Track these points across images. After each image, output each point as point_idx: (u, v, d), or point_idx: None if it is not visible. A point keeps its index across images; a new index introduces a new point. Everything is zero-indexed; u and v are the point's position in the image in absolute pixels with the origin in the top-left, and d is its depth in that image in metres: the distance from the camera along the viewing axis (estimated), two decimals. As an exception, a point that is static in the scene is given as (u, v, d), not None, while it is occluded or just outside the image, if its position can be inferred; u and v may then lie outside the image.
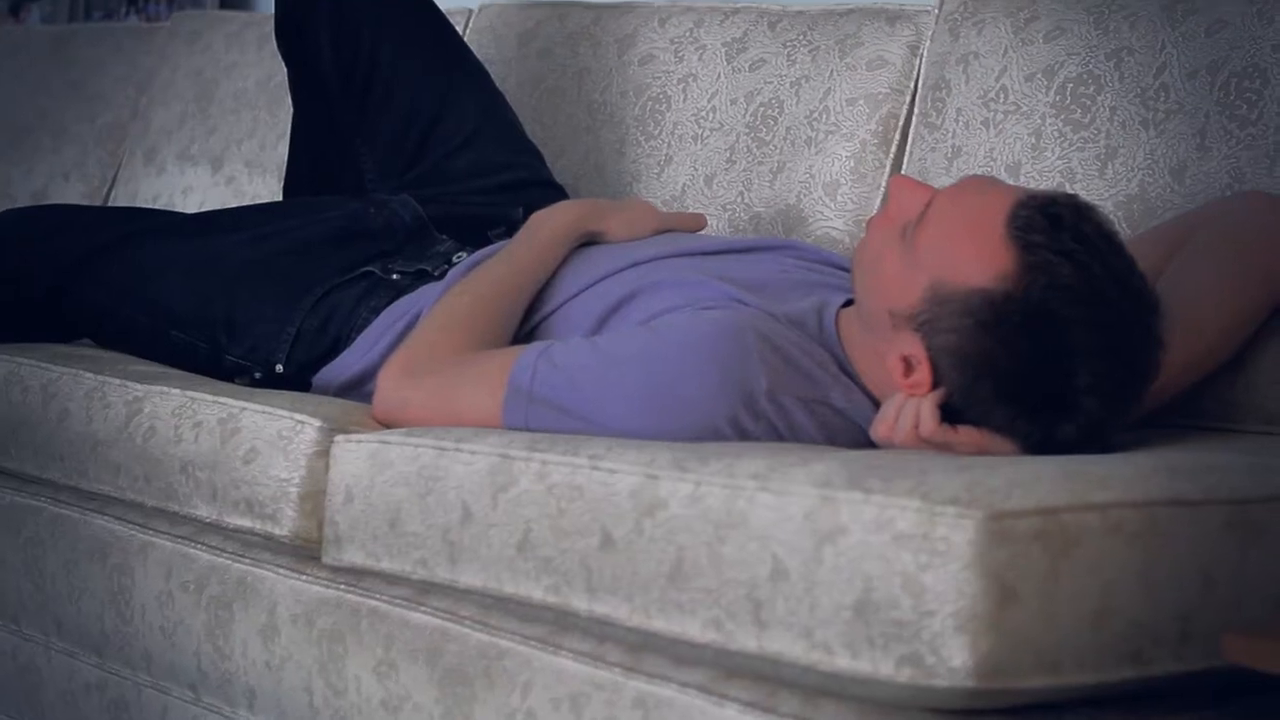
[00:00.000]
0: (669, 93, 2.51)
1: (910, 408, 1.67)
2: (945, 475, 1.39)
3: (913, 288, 1.69)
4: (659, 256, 2.01)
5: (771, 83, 2.39)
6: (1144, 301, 1.66)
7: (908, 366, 1.69)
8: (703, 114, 2.46)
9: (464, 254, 2.19)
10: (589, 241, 2.11)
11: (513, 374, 1.78)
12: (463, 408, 1.81)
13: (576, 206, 2.13)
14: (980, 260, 1.65)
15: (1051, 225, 1.64)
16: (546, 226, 2.08)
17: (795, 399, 1.71)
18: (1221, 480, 1.46)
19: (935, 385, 1.67)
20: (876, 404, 1.76)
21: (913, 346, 1.68)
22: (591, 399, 1.74)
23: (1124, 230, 1.96)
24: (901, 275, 1.70)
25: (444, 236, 2.26)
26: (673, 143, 2.48)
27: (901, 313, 1.70)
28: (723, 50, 2.47)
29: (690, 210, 2.43)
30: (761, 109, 2.39)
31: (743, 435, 1.69)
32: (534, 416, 1.76)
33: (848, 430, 1.75)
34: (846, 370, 1.78)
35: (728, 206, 2.38)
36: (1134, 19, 2.02)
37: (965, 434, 1.66)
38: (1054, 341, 1.62)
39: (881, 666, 1.34)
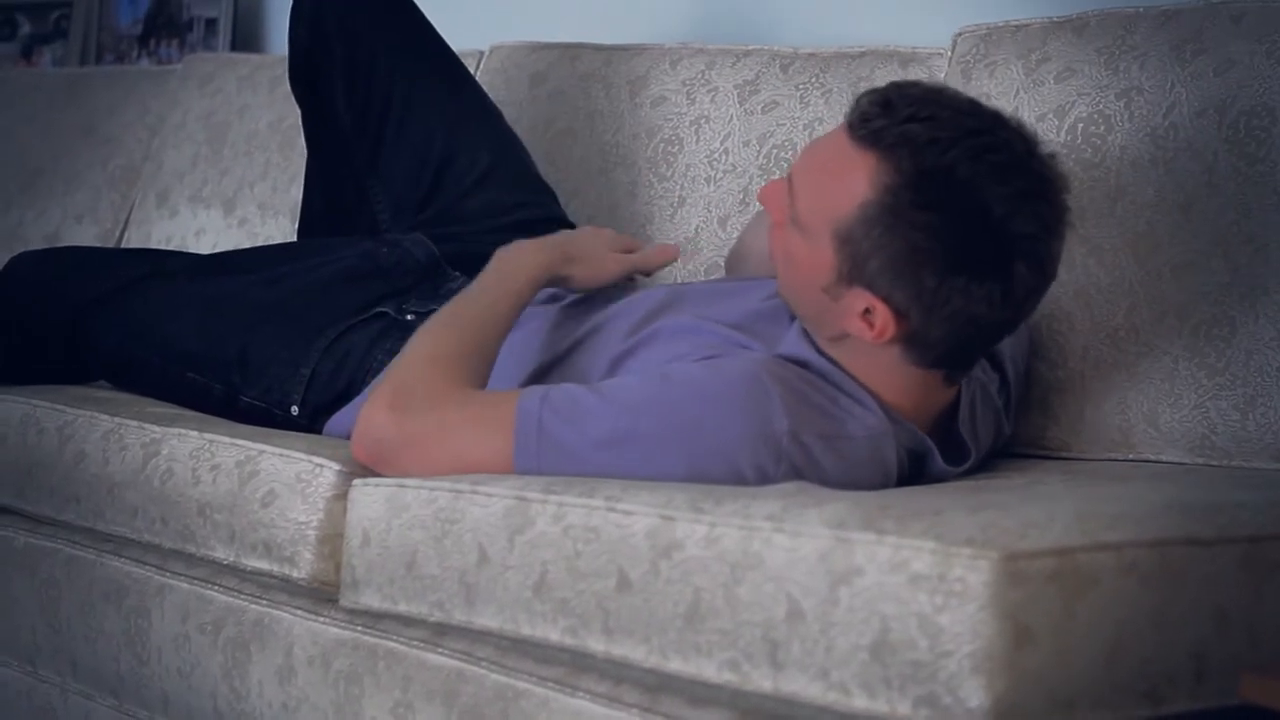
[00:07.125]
0: (681, 135, 2.51)
1: None
2: (960, 516, 1.40)
3: (824, 252, 1.73)
4: (653, 308, 2.01)
5: (784, 125, 2.40)
6: (1000, 117, 1.71)
7: (869, 320, 1.73)
8: (715, 156, 2.46)
9: (478, 290, 2.19)
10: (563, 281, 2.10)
11: (518, 423, 1.75)
12: (466, 452, 1.77)
13: (544, 252, 2.06)
14: (850, 179, 1.70)
15: (883, 109, 1.70)
16: (520, 272, 2.02)
17: (816, 436, 1.72)
18: (1235, 519, 1.47)
19: (898, 317, 1.70)
20: (890, 415, 1.77)
21: (858, 298, 1.72)
22: (606, 447, 1.72)
23: (1132, 266, 1.97)
24: (810, 252, 1.75)
25: (458, 274, 2.27)
26: (685, 184, 2.48)
27: (830, 280, 1.74)
28: (735, 92, 2.48)
29: (705, 251, 2.43)
30: (775, 151, 2.39)
31: (763, 480, 1.68)
32: (545, 463, 1.75)
33: (868, 462, 1.75)
34: (851, 394, 1.78)
35: (743, 248, 2.37)
36: (1144, 59, 2.03)
37: None
38: (952, 192, 1.66)
39: (898, 707, 1.34)
